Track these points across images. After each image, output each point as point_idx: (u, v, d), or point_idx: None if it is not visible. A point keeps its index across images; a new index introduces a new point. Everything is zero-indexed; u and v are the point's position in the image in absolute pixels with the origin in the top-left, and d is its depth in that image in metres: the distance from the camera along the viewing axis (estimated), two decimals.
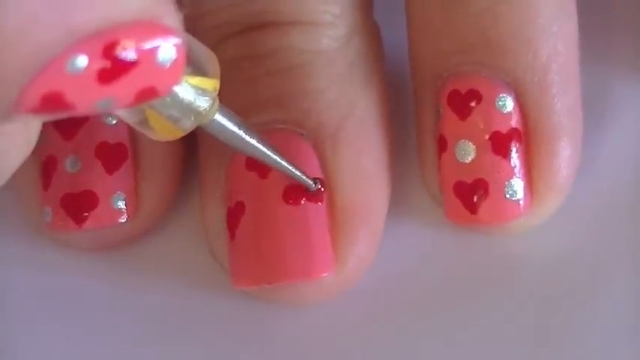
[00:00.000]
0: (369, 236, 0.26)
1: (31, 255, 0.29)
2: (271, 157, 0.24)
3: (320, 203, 0.26)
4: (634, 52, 0.29)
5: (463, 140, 0.26)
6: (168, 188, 0.28)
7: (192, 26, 0.27)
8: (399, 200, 0.28)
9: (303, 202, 0.26)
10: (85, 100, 0.18)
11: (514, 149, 0.26)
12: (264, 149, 0.24)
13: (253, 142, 0.23)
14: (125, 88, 0.18)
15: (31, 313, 0.28)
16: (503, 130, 0.26)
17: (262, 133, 0.26)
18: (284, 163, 0.25)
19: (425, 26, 0.27)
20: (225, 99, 0.26)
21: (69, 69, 0.17)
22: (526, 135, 0.26)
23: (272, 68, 0.26)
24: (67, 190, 0.27)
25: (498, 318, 0.27)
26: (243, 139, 0.23)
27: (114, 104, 0.18)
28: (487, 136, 0.26)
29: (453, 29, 0.26)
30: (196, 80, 0.21)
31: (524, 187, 0.26)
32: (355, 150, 0.26)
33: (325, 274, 0.26)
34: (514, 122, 0.26)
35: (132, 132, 0.27)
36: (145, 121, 0.21)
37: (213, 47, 0.26)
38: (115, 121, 0.27)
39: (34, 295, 0.28)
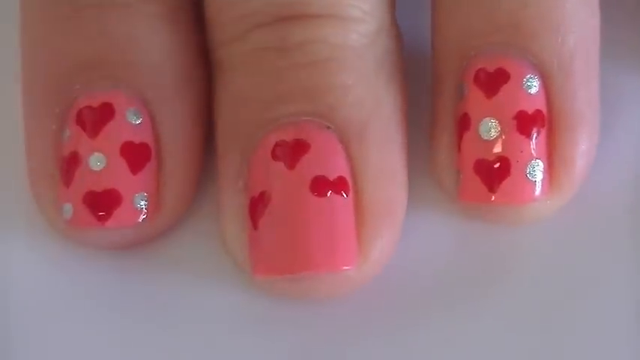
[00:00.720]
0: (391, 232, 0.26)
1: (32, 254, 0.28)
2: None
3: (346, 196, 0.26)
4: (635, 49, 0.30)
5: (488, 118, 0.26)
6: (188, 190, 0.28)
7: (216, 16, 0.27)
8: None
9: (329, 194, 0.26)
10: None
11: (537, 131, 0.26)
12: None
13: None
14: None
15: (30, 313, 0.27)
16: (529, 110, 0.26)
17: (289, 125, 0.26)
18: None
19: (453, 6, 0.27)
20: (251, 89, 0.27)
21: None
22: (549, 120, 0.26)
23: (300, 60, 0.26)
24: (91, 188, 0.26)
25: (497, 317, 0.27)
26: None
27: None
28: (512, 115, 0.26)
29: (482, 10, 0.26)
30: None
31: (544, 170, 0.26)
32: (380, 147, 0.26)
33: (348, 267, 0.26)
34: (539, 105, 0.26)
35: (155, 132, 0.27)
36: None
37: (239, 37, 0.27)
38: (139, 121, 0.27)
39: (34, 295, 0.28)
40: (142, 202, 0.27)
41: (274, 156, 0.26)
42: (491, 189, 0.26)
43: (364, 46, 0.27)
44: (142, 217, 0.27)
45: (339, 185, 0.26)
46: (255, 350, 0.27)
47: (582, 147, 0.26)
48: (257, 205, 0.26)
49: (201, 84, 0.28)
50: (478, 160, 0.26)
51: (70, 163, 0.27)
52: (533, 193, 0.26)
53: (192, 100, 0.28)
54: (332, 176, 0.26)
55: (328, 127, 0.26)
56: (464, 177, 0.26)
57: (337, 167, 0.26)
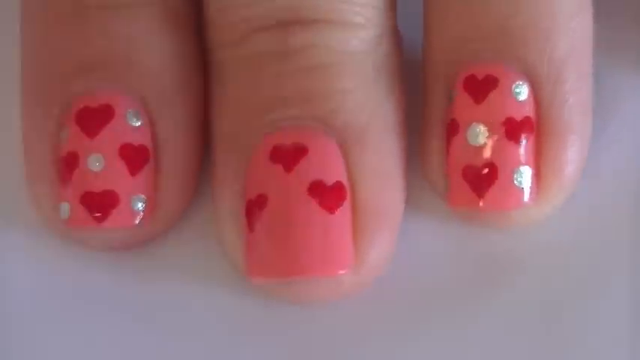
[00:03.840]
0: (388, 236, 0.26)
1: (31, 255, 0.28)
2: None
3: (344, 201, 0.26)
4: (635, 50, 0.29)
5: (476, 123, 0.26)
6: (185, 193, 0.28)
7: (217, 17, 0.27)
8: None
9: (327, 198, 0.26)
10: None
11: (525, 138, 0.26)
12: None
13: None
14: None
15: (30, 314, 0.28)
16: (517, 117, 0.26)
17: (287, 129, 0.26)
18: None
19: (445, 12, 0.27)
20: (251, 92, 0.27)
21: None
22: (537, 127, 0.26)
23: (301, 65, 0.27)
24: (88, 188, 0.27)
25: (497, 318, 0.27)
26: None
27: None
28: (501, 121, 0.26)
29: (474, 16, 0.27)
30: None
31: (532, 177, 0.26)
32: (379, 153, 0.27)
33: (344, 271, 0.26)
34: (528, 112, 0.26)
35: (154, 135, 0.27)
36: None
37: (240, 39, 0.27)
38: (139, 123, 0.27)
39: (33, 296, 0.28)
40: (140, 204, 0.27)
41: (272, 159, 0.26)
42: (479, 195, 0.26)
43: (364, 53, 0.27)
44: (139, 218, 0.27)
45: (336, 190, 0.26)
46: (254, 352, 0.27)
47: (570, 154, 0.26)
48: (254, 208, 0.26)
49: (199, 87, 0.28)
50: (466, 166, 0.26)
51: (68, 163, 0.27)
52: (521, 199, 0.26)
53: (191, 104, 0.28)
54: (330, 181, 0.26)
55: (327, 132, 0.26)
56: (452, 183, 0.27)
57: (335, 172, 0.26)
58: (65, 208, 0.27)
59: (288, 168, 0.26)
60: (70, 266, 0.28)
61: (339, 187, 0.26)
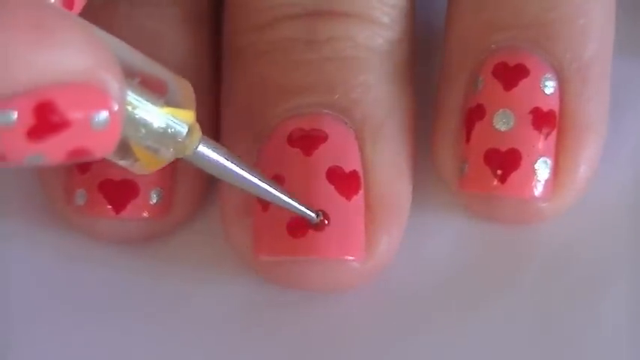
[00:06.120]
0: (397, 229, 0.27)
1: (31, 251, 0.28)
2: (267, 191, 0.24)
3: (359, 189, 0.26)
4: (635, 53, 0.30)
5: (504, 109, 0.27)
6: (200, 189, 0.28)
7: (245, 1, 0.27)
8: None
9: (343, 185, 0.26)
10: (15, 153, 0.19)
11: (549, 131, 0.27)
12: (257, 182, 0.24)
13: (245, 174, 0.24)
14: (56, 146, 0.19)
15: (32, 311, 0.28)
16: (544, 108, 0.27)
17: (308, 115, 0.27)
18: (282, 196, 0.25)
19: (480, 0, 0.28)
20: (275, 75, 0.27)
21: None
22: (559, 123, 0.27)
23: (327, 55, 0.27)
24: (108, 176, 0.27)
25: (498, 316, 0.27)
26: (233, 171, 0.23)
27: (44, 160, 0.19)
28: (529, 110, 0.26)
29: (510, 6, 0.27)
30: (170, 110, 0.22)
31: (551, 170, 0.27)
32: (393, 147, 0.27)
33: (353, 258, 0.26)
34: (553, 105, 0.27)
35: None
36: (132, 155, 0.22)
37: (269, 25, 0.27)
38: None
39: (34, 293, 0.28)
40: (158, 198, 0.27)
41: (290, 142, 0.26)
42: (500, 179, 0.26)
43: (387, 52, 0.27)
44: (157, 212, 0.27)
45: (353, 178, 0.26)
46: (257, 350, 0.27)
47: (589, 153, 0.27)
48: None
49: (214, 86, 0.29)
50: (490, 150, 0.27)
51: None
52: (537, 190, 0.26)
53: (208, 103, 0.28)
54: (347, 169, 0.26)
55: (345, 122, 0.27)
56: (471, 166, 0.27)
57: (352, 161, 0.26)
58: (81, 194, 0.27)
59: (308, 152, 0.26)
60: (72, 264, 0.28)
61: (355, 175, 0.26)
